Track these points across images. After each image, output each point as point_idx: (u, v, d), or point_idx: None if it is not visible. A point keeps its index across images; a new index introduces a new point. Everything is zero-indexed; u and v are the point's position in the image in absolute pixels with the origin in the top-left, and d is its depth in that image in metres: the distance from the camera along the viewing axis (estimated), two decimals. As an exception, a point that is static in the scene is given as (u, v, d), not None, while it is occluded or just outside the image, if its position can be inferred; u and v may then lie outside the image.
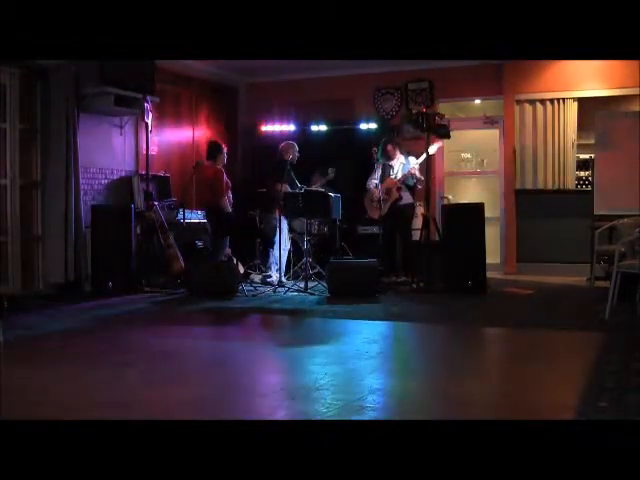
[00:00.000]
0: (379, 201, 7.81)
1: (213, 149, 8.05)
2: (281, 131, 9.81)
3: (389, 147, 8.17)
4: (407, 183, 8.10)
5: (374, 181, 8.07)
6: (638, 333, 5.09)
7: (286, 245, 8.07)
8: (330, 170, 8.25)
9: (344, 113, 9.76)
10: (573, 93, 8.98)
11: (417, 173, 8.00)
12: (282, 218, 7.82)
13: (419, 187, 8.14)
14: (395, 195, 8.05)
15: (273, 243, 8.02)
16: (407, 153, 8.26)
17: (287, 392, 3.55)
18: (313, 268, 7.72)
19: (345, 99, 9.91)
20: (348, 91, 9.89)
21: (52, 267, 7.22)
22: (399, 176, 8.05)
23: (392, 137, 8.59)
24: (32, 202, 7.29)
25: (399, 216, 8.08)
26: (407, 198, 8.15)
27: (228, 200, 7.91)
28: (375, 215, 8.09)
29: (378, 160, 8.10)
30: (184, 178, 8.79)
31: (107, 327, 5.70)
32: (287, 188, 7.83)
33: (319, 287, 7.42)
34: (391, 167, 8.15)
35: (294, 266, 8.12)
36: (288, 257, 8.16)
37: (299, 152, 8.25)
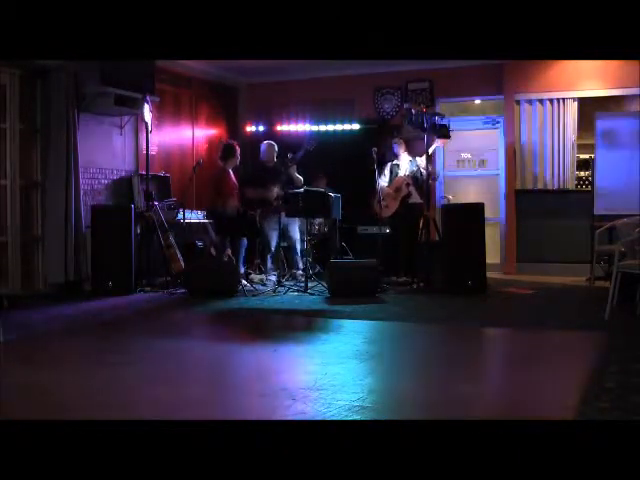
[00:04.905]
0: (379, 201, 7.82)
1: (225, 151, 8.07)
2: (281, 131, 9.81)
3: (395, 145, 8.25)
4: (416, 176, 8.14)
5: (383, 183, 8.12)
6: (638, 333, 5.09)
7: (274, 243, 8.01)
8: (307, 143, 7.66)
9: (344, 113, 9.76)
10: (573, 93, 8.98)
11: (425, 165, 7.99)
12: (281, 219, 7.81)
13: (432, 180, 8.22)
14: (405, 191, 8.10)
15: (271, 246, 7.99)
16: (412, 155, 8.34)
17: (287, 392, 3.54)
18: (313, 268, 7.73)
19: (345, 99, 9.91)
20: (348, 91, 9.89)
21: (52, 267, 7.21)
22: (407, 172, 8.11)
23: (397, 136, 8.61)
24: (32, 202, 7.29)
25: (408, 214, 8.10)
26: (416, 196, 8.20)
27: (234, 201, 7.92)
28: (387, 213, 8.11)
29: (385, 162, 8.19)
30: (184, 178, 8.79)
31: (107, 327, 5.70)
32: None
33: (319, 287, 7.42)
34: (398, 167, 8.23)
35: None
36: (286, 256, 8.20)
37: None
